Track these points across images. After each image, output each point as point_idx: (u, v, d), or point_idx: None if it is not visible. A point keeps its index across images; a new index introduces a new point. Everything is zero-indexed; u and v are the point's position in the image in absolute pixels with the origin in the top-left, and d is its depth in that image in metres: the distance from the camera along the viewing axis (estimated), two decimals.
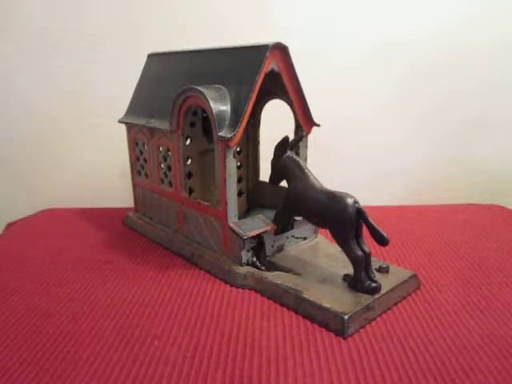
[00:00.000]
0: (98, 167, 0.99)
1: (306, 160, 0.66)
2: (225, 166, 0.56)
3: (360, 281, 0.51)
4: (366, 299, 0.50)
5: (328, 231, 0.53)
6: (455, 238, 0.73)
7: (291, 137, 0.60)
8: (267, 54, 0.55)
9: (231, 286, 0.58)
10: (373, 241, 0.51)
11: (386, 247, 0.64)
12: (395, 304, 0.52)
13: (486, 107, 0.95)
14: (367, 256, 0.51)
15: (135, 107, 0.76)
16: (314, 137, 0.65)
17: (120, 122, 0.77)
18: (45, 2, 0.89)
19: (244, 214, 0.73)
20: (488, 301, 0.53)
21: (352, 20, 0.90)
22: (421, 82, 0.93)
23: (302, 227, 0.65)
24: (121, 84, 0.89)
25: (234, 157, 0.57)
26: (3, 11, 0.89)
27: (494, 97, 0.94)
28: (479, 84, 0.93)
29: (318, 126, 0.64)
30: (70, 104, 0.95)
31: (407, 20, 0.90)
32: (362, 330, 0.47)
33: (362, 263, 0.51)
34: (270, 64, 0.56)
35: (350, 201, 0.51)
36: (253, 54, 0.57)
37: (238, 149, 0.74)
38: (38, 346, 0.46)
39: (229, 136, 0.54)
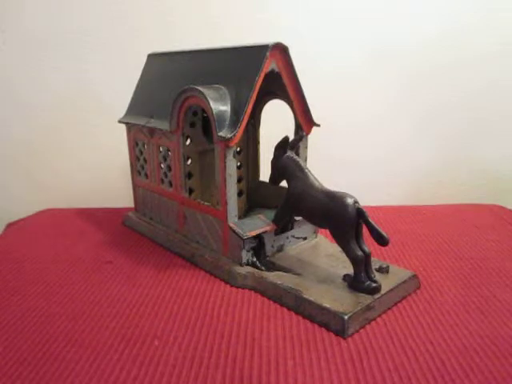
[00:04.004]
0: (98, 167, 0.99)
1: (306, 160, 0.66)
2: (225, 166, 0.56)
3: (360, 281, 0.51)
4: (365, 299, 0.49)
5: (328, 231, 0.53)
6: (455, 238, 0.73)
7: (291, 137, 0.60)
8: (267, 54, 0.55)
9: (231, 286, 0.58)
10: (373, 241, 0.51)
11: (386, 247, 0.64)
12: (395, 304, 0.52)
13: (485, 108, 0.95)
14: (367, 256, 0.51)
15: (135, 107, 0.76)
16: (314, 137, 0.65)
17: (120, 122, 0.77)
18: (44, 2, 0.89)
19: (244, 213, 0.73)
20: (488, 301, 0.53)
21: (353, 22, 0.90)
22: (422, 82, 0.93)
23: (302, 227, 0.65)
24: (121, 84, 0.89)
25: (234, 157, 0.57)
26: (3, 11, 0.89)
27: (493, 98, 0.94)
28: (479, 86, 0.93)
29: (318, 126, 0.64)
30: (69, 104, 0.95)
31: (408, 22, 0.90)
32: (361, 330, 0.47)
33: (362, 263, 0.51)
34: (270, 64, 0.56)
35: (349, 201, 0.51)
36: (253, 54, 0.57)
37: (238, 149, 0.74)
38: (38, 346, 0.46)
39: (229, 136, 0.54)
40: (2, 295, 0.56)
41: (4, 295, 0.56)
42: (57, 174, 1.00)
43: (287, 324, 0.49)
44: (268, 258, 0.61)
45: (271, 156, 0.60)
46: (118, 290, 0.57)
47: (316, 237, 0.68)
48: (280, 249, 0.63)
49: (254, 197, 0.77)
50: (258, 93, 0.56)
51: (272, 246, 0.62)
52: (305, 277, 0.56)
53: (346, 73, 0.93)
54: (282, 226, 0.62)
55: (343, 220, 0.50)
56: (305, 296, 0.51)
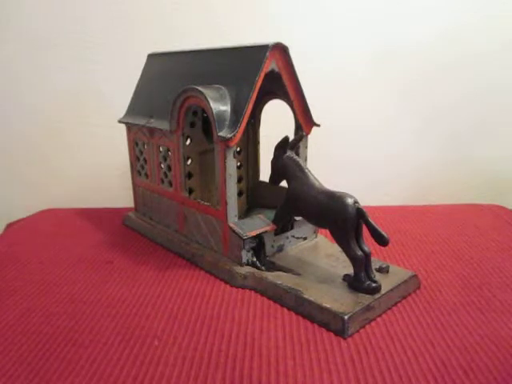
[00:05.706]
0: (98, 167, 0.99)
1: (306, 160, 0.66)
2: (225, 166, 0.56)
3: (360, 281, 0.51)
4: (366, 299, 0.50)
5: (328, 231, 0.53)
6: (455, 238, 0.73)
7: (291, 137, 0.60)
8: (267, 54, 0.55)
9: (231, 286, 0.58)
10: (373, 241, 0.51)
11: (386, 247, 0.64)
12: (395, 304, 0.52)
13: (485, 108, 0.95)
14: (367, 256, 0.51)
15: (135, 107, 0.76)
16: (314, 137, 0.65)
17: (120, 122, 0.77)
18: (45, 2, 0.89)
19: (244, 213, 0.73)
20: (488, 301, 0.53)
21: (353, 22, 0.90)
22: (421, 83, 0.93)
23: (302, 227, 0.65)
24: (121, 84, 0.89)
25: (234, 157, 0.57)
26: (3, 11, 0.89)
27: (493, 98, 0.94)
28: (479, 86, 0.93)
29: (318, 126, 0.64)
30: (69, 104, 0.95)
31: (408, 23, 0.89)
32: (362, 330, 0.47)
33: (362, 263, 0.51)
34: (270, 64, 0.56)
35: (349, 201, 0.51)
36: (253, 54, 0.57)
37: (238, 149, 0.74)
38: (38, 346, 0.46)
39: (229, 136, 0.54)
40: (2, 295, 0.56)
41: (4, 295, 0.56)
42: (57, 174, 1.00)
43: (287, 324, 0.49)
44: (268, 258, 0.61)
45: (271, 156, 0.60)
46: (117, 290, 0.57)
47: (316, 237, 0.68)
48: (280, 249, 0.63)
49: (254, 197, 0.77)
50: (258, 93, 0.56)
51: (272, 246, 0.62)
52: (305, 277, 0.55)
53: (345, 73, 0.92)
54: (282, 226, 0.62)
55: (343, 220, 0.50)
56: (305, 296, 0.51)
